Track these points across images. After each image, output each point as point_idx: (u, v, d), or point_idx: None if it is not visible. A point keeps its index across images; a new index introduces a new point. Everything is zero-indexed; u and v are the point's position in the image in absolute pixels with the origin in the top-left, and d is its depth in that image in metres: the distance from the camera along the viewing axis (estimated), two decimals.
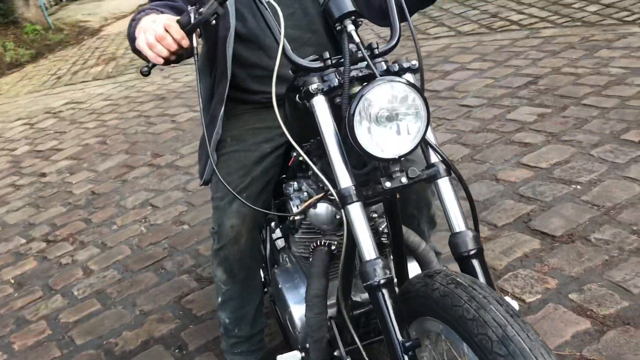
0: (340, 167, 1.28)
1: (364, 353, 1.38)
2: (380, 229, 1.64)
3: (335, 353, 1.64)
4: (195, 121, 4.93)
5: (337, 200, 1.29)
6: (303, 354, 1.59)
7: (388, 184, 1.28)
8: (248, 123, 1.89)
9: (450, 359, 1.24)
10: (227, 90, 1.80)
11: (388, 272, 1.23)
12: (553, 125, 3.45)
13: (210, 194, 1.93)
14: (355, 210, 1.26)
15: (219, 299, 1.91)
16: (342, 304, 1.36)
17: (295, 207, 1.68)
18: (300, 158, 1.69)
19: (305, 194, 1.66)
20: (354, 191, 1.26)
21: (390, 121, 1.22)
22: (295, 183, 1.75)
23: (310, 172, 1.76)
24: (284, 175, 1.93)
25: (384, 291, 1.22)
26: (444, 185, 1.31)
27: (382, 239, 1.66)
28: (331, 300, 1.69)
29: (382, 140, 1.23)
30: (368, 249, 1.25)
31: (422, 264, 1.67)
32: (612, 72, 3.95)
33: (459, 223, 1.29)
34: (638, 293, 2.08)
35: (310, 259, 1.66)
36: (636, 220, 2.46)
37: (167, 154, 4.39)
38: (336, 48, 1.82)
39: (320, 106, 1.31)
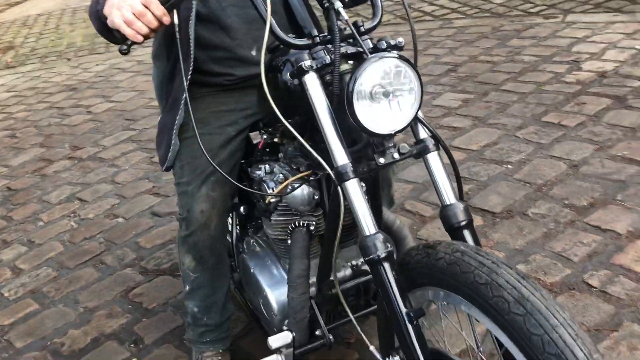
0: (336, 144, 1.29)
1: (357, 327, 1.40)
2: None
3: (317, 332, 1.66)
4: (114, 112, 4.74)
5: (334, 177, 1.30)
6: (294, 334, 1.59)
7: (382, 160, 1.31)
8: (211, 106, 1.85)
9: (447, 324, 1.30)
10: (190, 72, 1.75)
11: (389, 245, 1.26)
12: (477, 110, 3.61)
13: (174, 179, 1.87)
14: (353, 187, 1.28)
15: (187, 287, 1.87)
16: (335, 280, 1.38)
17: (270, 190, 1.68)
18: (276, 139, 1.69)
19: (281, 175, 1.66)
20: (351, 168, 1.28)
21: (386, 97, 1.25)
22: (266, 165, 1.74)
23: (280, 155, 1.75)
24: (243, 161, 1.91)
25: (386, 265, 1.25)
26: (434, 159, 1.36)
27: None
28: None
29: (378, 117, 1.25)
30: (367, 224, 1.27)
31: (397, 240, 1.72)
32: (525, 59, 4.19)
33: (449, 196, 1.35)
34: (578, 261, 2.25)
35: (289, 241, 1.66)
36: (567, 195, 2.64)
37: (87, 147, 4.19)
38: (294, 30, 1.81)
39: (313, 83, 1.32)
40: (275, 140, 1.68)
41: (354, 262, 1.75)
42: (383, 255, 1.25)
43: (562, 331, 0.99)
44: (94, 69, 5.97)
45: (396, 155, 1.32)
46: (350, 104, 1.22)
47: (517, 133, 3.25)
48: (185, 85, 1.73)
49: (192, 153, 1.79)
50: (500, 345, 1.24)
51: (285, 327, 1.75)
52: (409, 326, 1.22)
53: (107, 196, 3.45)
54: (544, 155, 2.99)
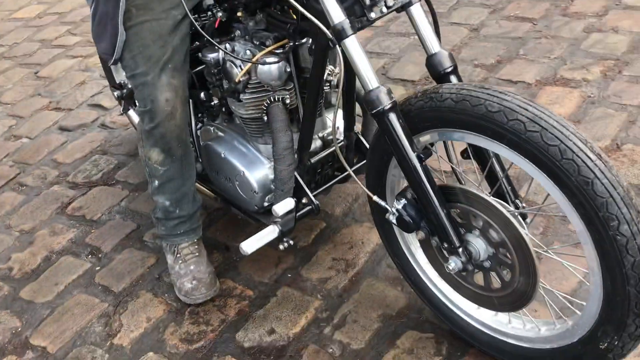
0: (330, 1, 1.30)
1: (356, 178, 1.46)
2: (324, 77, 1.71)
3: (303, 200, 1.72)
4: None
5: (331, 37, 1.32)
6: (295, 199, 1.64)
7: (372, 15, 1.35)
8: None
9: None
10: None
11: (392, 96, 1.32)
12: None
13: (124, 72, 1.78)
14: (353, 43, 1.31)
15: (156, 182, 1.83)
16: (334, 138, 1.41)
17: (238, 68, 1.65)
18: (239, 14, 1.64)
19: (248, 52, 1.63)
20: (349, 24, 1.30)
21: None
22: (226, 45, 1.70)
23: (237, 33, 1.71)
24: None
25: (392, 115, 1.32)
26: (417, 11, 1.42)
27: (324, 87, 1.73)
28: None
29: None
30: (370, 78, 1.32)
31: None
32: None
33: (433, 45, 1.42)
34: None
35: (265, 118, 1.67)
36: (475, 55, 2.84)
37: None
38: None
39: None
40: (239, 14, 1.63)
41: (320, 134, 1.81)
42: (388, 106, 1.31)
43: (575, 139, 1.14)
44: None
45: (384, 9, 1.36)
46: None
47: None
48: None
49: (143, 41, 1.71)
50: (502, 170, 1.39)
51: (266, 203, 1.80)
52: (419, 167, 1.33)
53: None
54: (445, 22, 3.14)
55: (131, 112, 2.28)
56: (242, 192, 1.81)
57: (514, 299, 1.36)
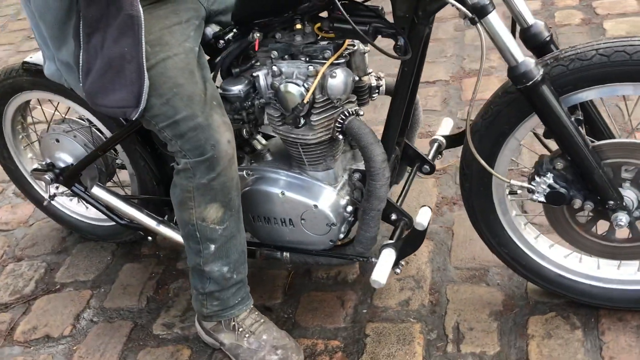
0: None
1: (490, 169, 1.36)
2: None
3: (392, 217, 1.56)
4: None
5: (471, 15, 1.23)
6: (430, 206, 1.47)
7: None
8: (155, 24, 1.46)
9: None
10: None
11: (540, 66, 1.28)
12: None
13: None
14: (495, 18, 1.25)
15: (212, 247, 1.50)
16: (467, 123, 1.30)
17: (301, 88, 1.45)
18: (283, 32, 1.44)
19: (310, 68, 1.44)
20: None
21: None
22: (272, 68, 1.48)
23: (274, 54, 1.50)
24: None
25: (544, 86, 1.28)
26: None
27: (373, 95, 1.62)
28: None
29: None
30: (515, 51, 1.27)
31: None
32: None
33: (528, 17, 1.42)
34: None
35: (340, 137, 1.50)
36: (379, 68, 2.88)
37: None
38: None
39: None
40: (298, 26, 1.40)
41: None
42: (540, 77, 1.27)
43: None
44: None
45: None
46: None
47: None
48: None
49: (174, 80, 1.41)
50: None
51: (342, 234, 1.59)
52: (576, 132, 1.31)
53: None
54: None
55: (96, 190, 1.82)
56: (312, 231, 1.58)
57: None
